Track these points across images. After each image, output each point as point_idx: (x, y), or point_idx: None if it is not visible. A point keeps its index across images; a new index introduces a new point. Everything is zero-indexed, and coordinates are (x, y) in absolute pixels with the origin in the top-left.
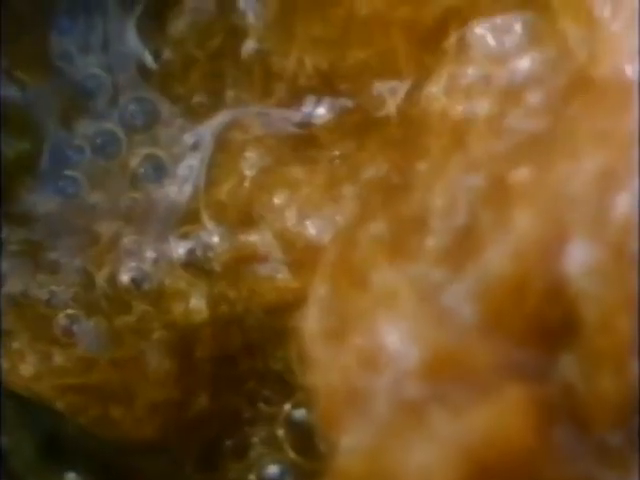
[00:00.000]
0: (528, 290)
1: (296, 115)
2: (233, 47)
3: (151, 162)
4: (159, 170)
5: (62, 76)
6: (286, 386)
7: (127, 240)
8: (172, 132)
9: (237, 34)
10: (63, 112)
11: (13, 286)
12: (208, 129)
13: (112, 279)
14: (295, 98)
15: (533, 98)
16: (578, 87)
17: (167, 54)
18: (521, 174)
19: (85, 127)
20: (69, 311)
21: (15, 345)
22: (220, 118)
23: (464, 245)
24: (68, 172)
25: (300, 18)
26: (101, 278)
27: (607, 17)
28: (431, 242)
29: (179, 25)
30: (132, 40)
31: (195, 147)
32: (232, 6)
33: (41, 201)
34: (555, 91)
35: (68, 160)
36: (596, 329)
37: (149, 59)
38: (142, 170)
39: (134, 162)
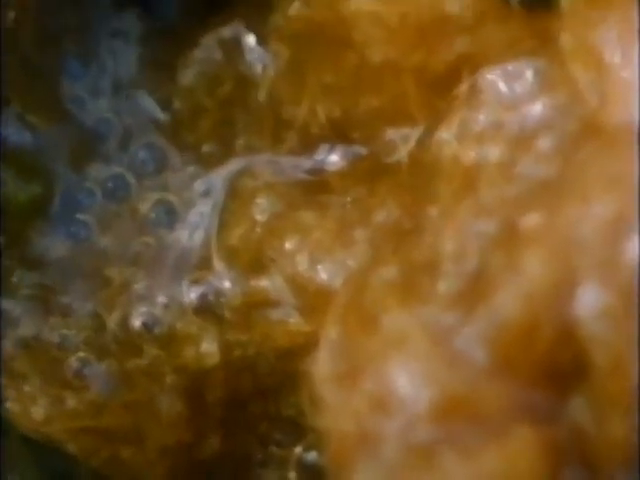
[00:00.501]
0: (539, 333)
1: (307, 162)
2: (243, 96)
3: (162, 207)
4: (170, 215)
5: (73, 120)
6: (297, 429)
7: (138, 285)
8: (183, 178)
9: (247, 83)
10: (74, 156)
11: (25, 329)
12: (219, 176)
13: (123, 323)
14: (306, 145)
15: (544, 143)
16: (588, 132)
17: (177, 103)
18: (532, 218)
19: (96, 171)
20: (81, 354)
21: (27, 388)
22: (231, 165)
23: (475, 289)
24: (79, 216)
25: (311, 66)
26: (112, 322)
27: (617, 63)
28: (442, 286)
29: (188, 74)
30: (142, 88)
31: (206, 194)
32: (241, 55)
33: (53, 245)
34: (566, 136)
35: (79, 204)
36: (606, 372)
37: (159, 108)
38: (153, 215)
39: (145, 207)
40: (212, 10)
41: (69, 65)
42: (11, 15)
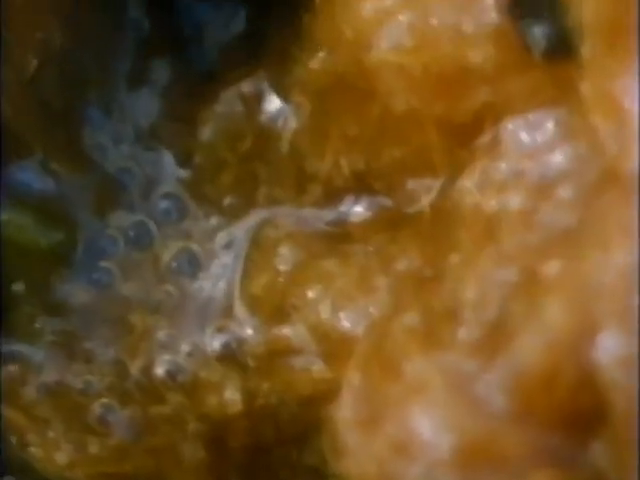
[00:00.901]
0: (559, 380)
1: (329, 213)
2: (265, 149)
3: (184, 256)
4: (192, 264)
5: (96, 168)
6: (319, 476)
7: (161, 332)
8: (205, 229)
9: (268, 136)
10: (97, 203)
11: (48, 375)
12: (241, 227)
13: (146, 370)
14: (329, 197)
15: (564, 192)
16: (608, 181)
17: (198, 157)
18: (552, 266)
19: (118, 219)
20: (104, 400)
21: (50, 434)
22: (253, 217)
23: (496, 335)
24: (102, 263)
25: (334, 118)
26: (135, 368)
27: (637, 112)
28: (463, 333)
29: (209, 128)
30: (163, 139)
31: (229, 245)
32: (262, 109)
33: (75, 291)
34: (586, 185)
35: (102, 251)
36: (625, 419)
37: (180, 160)
38: (175, 263)
39: (167, 255)
40: (234, 63)
41: (91, 113)
42: (34, 62)
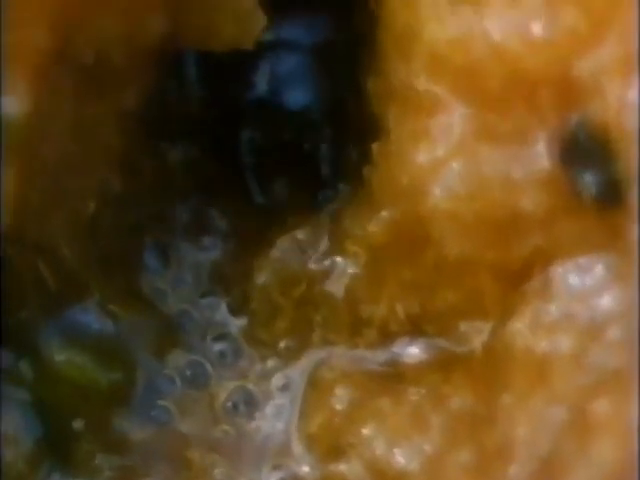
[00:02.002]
0: None
1: (383, 354)
2: (319, 294)
3: (240, 396)
4: (248, 405)
5: (153, 310)
6: None
7: (218, 470)
8: (260, 371)
9: (323, 282)
10: (154, 344)
11: None
12: (297, 369)
13: None
14: (384, 340)
15: (613, 334)
16: None
17: (254, 302)
18: (601, 405)
19: (175, 359)
20: None
21: None
22: (308, 359)
23: (547, 472)
24: (160, 402)
25: (390, 264)
26: None
27: None
28: (515, 469)
29: (265, 274)
30: (220, 283)
31: (285, 387)
32: (317, 255)
33: (134, 429)
34: (634, 328)
35: (159, 390)
36: None
37: (235, 305)
38: (231, 403)
39: (223, 395)
40: (291, 210)
41: (149, 258)
42: (91, 205)
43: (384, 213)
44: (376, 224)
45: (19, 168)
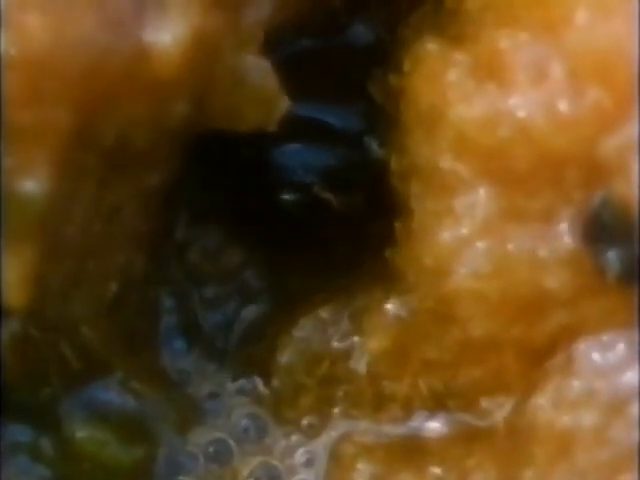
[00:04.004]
0: None
1: (406, 428)
2: (342, 372)
3: (263, 472)
4: (272, 479)
5: (176, 389)
6: None
7: None
8: (284, 446)
9: (346, 360)
10: (177, 421)
11: None
12: (320, 445)
13: None
14: (406, 415)
15: (635, 410)
16: None
17: (277, 380)
18: None
19: (198, 435)
20: None
21: None
22: (331, 434)
23: None
24: (182, 477)
25: (413, 342)
26: None
27: None
28: None
29: (288, 353)
30: (244, 364)
31: (309, 462)
32: (340, 334)
33: None
34: None
35: (182, 466)
36: None
37: (260, 383)
38: (254, 479)
39: (246, 470)
40: (313, 289)
41: (172, 338)
42: (114, 285)
43: (408, 293)
44: (400, 304)
45: (40, 249)
